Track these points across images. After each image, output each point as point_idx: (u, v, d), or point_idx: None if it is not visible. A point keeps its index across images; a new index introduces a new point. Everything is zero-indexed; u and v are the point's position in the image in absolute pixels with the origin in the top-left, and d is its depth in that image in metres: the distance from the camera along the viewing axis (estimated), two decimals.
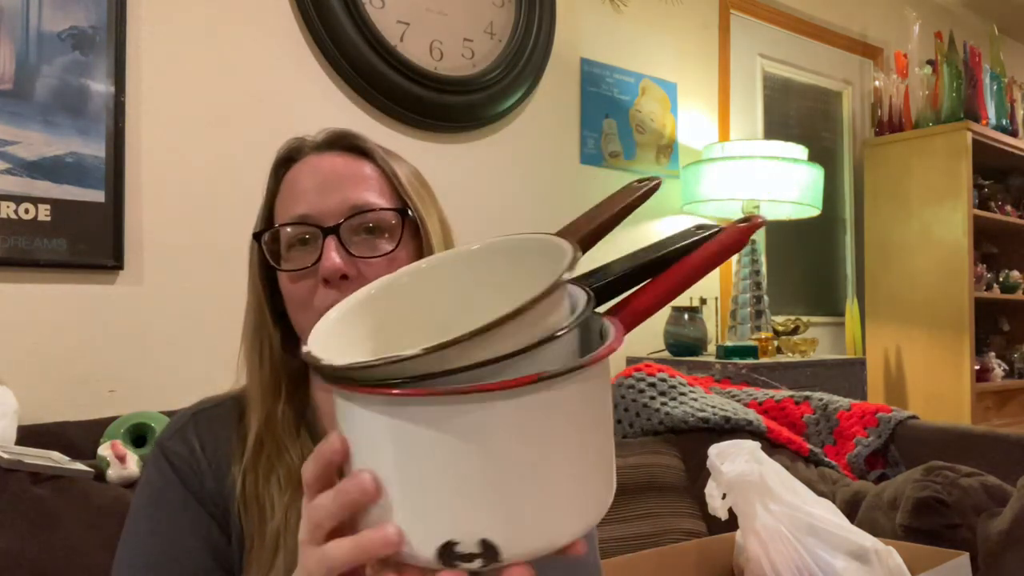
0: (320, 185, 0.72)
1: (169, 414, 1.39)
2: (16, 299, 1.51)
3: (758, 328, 2.56)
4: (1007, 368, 3.55)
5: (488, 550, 0.37)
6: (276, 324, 0.76)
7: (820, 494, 1.31)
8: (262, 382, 0.74)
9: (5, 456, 1.18)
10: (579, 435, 0.39)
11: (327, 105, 1.93)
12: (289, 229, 0.72)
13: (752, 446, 1.22)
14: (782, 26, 3.16)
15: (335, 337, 0.45)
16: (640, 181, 0.52)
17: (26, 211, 1.50)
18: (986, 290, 3.42)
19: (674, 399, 1.84)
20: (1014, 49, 4.45)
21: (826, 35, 3.35)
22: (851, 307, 3.17)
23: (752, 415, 1.83)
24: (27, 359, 1.51)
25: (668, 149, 2.70)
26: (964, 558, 1.19)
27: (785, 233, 3.13)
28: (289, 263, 0.72)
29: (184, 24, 1.72)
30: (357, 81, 1.96)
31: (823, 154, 3.28)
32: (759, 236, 2.87)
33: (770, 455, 1.27)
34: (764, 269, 2.68)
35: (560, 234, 0.47)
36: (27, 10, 1.52)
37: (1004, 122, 3.48)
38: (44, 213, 1.52)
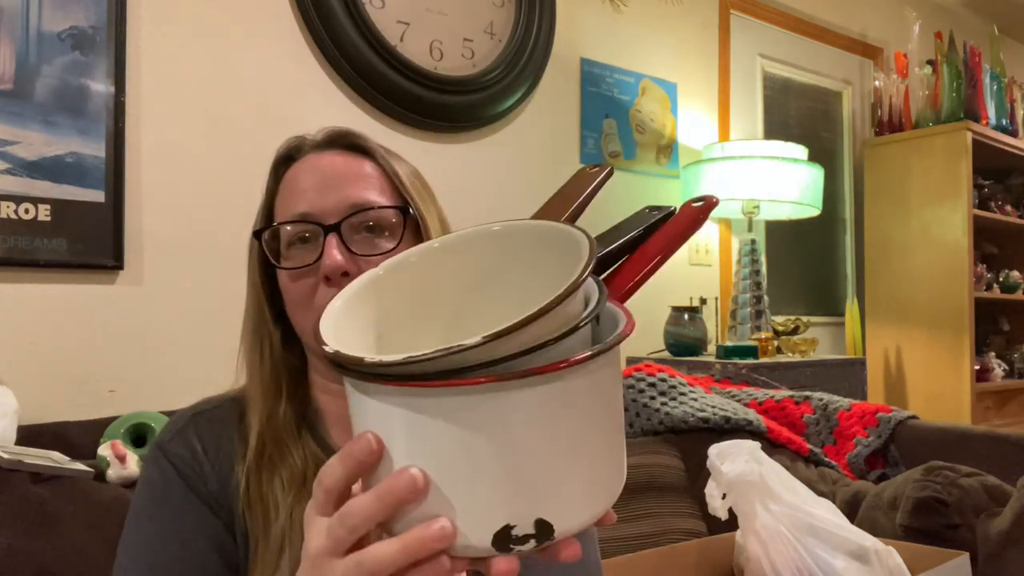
0: (320, 183, 0.72)
1: (169, 414, 1.38)
2: (16, 299, 1.51)
3: (758, 328, 2.56)
4: (1007, 368, 3.55)
5: (543, 529, 0.38)
6: (276, 323, 0.76)
7: (820, 494, 1.31)
8: (262, 382, 0.74)
9: (5, 456, 1.18)
10: (608, 411, 0.41)
11: (327, 105, 1.93)
12: (289, 227, 0.72)
13: (752, 446, 1.22)
14: (782, 26, 3.16)
15: (345, 326, 0.44)
16: (592, 167, 0.54)
17: (26, 211, 1.50)
18: (986, 290, 3.42)
19: (674, 399, 1.84)
20: (1014, 49, 4.45)
21: (826, 35, 3.35)
22: (851, 307, 3.17)
23: (752, 415, 1.83)
24: (27, 359, 1.51)
25: (668, 149, 2.70)
26: (964, 558, 1.19)
27: (785, 233, 3.13)
28: (289, 261, 0.72)
29: (184, 24, 1.72)
30: (357, 81, 1.96)
31: (823, 154, 3.28)
32: (759, 236, 2.87)
33: (770, 455, 1.27)
34: (764, 269, 2.68)
35: (542, 216, 0.48)
36: (27, 10, 1.52)
37: (1004, 122, 3.48)
38: (44, 213, 1.52)
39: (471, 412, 0.37)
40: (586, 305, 0.42)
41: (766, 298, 2.62)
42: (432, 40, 2.09)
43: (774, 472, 1.22)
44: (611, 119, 2.54)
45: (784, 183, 2.50)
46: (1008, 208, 3.57)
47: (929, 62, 3.36)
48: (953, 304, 3.16)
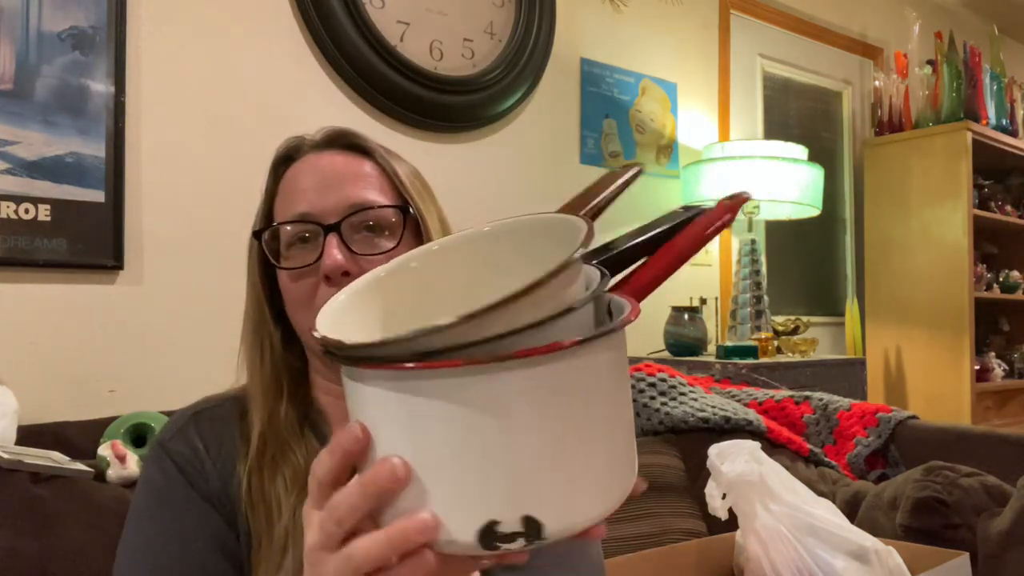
0: (320, 183, 0.72)
1: (169, 414, 1.38)
2: (16, 299, 1.51)
3: (758, 328, 2.56)
4: (1007, 368, 3.55)
5: (531, 527, 0.36)
6: (276, 323, 0.75)
7: (820, 494, 1.31)
8: (263, 382, 0.74)
9: (5, 456, 1.18)
10: (608, 403, 0.39)
11: (327, 105, 1.93)
12: (289, 227, 0.72)
13: (752, 446, 1.22)
14: (782, 26, 3.16)
15: (345, 320, 0.43)
16: (622, 166, 0.52)
17: (26, 211, 1.50)
18: (986, 290, 3.42)
19: (674, 399, 1.84)
20: (1014, 49, 4.45)
21: (826, 35, 3.35)
22: (851, 307, 3.17)
23: (752, 415, 1.83)
24: (27, 359, 1.51)
25: (668, 149, 2.70)
26: (964, 558, 1.19)
27: (785, 233, 3.13)
28: (289, 261, 0.72)
29: (184, 24, 1.72)
30: (357, 81, 1.96)
31: (823, 154, 3.28)
32: (759, 236, 2.87)
33: (770, 455, 1.27)
34: (764, 269, 2.68)
35: (563, 212, 0.46)
36: (27, 10, 1.52)
37: (1004, 122, 3.48)
38: (44, 213, 1.52)
39: (447, 397, 0.35)
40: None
41: (766, 298, 2.62)
42: (432, 40, 2.09)
43: (774, 472, 1.22)
44: (611, 119, 2.54)
45: (784, 183, 2.50)
46: (1008, 208, 3.57)
47: (929, 62, 3.36)
48: (953, 304, 3.16)
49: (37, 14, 1.53)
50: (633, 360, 2.30)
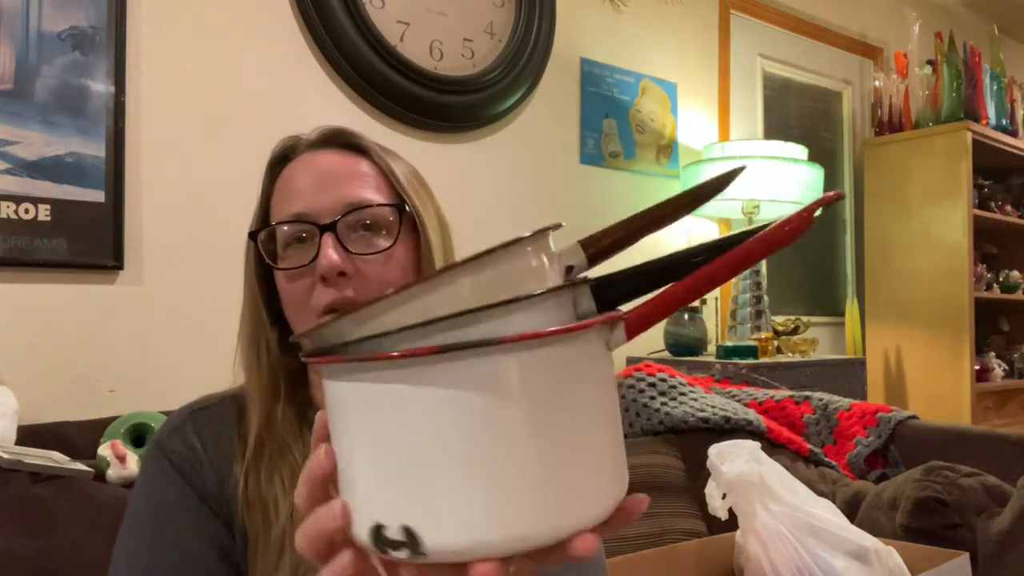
0: (316, 183, 0.72)
1: (168, 414, 1.38)
2: (16, 299, 1.51)
3: (758, 328, 2.56)
4: (1007, 368, 3.55)
5: (410, 539, 0.34)
6: (273, 324, 0.75)
7: (820, 494, 1.31)
8: (260, 382, 0.73)
9: (5, 456, 1.18)
10: (535, 420, 0.33)
11: (327, 105, 1.93)
12: (285, 227, 0.72)
13: (752, 446, 1.22)
14: (782, 26, 3.16)
15: None
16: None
17: (26, 211, 1.50)
18: (986, 290, 3.42)
19: (674, 399, 1.84)
20: (1014, 49, 4.45)
21: (826, 35, 3.35)
22: (851, 307, 3.16)
23: (752, 415, 1.83)
24: (27, 359, 1.51)
25: (668, 149, 2.70)
26: (964, 558, 1.19)
27: None
28: (286, 262, 0.72)
29: (184, 24, 1.72)
30: (357, 81, 1.96)
31: (823, 154, 3.28)
32: None
33: (770, 455, 1.27)
34: (764, 269, 2.68)
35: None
36: (27, 10, 1.52)
37: (1004, 122, 3.48)
38: (44, 213, 1.52)
39: (352, 391, 0.35)
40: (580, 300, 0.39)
41: (766, 298, 2.62)
42: (432, 40, 2.09)
43: (774, 472, 1.22)
44: (611, 119, 2.54)
45: (784, 183, 2.50)
46: (1008, 208, 3.57)
47: (929, 62, 3.36)
48: (953, 304, 3.16)
49: (37, 14, 1.53)
50: (633, 360, 2.30)
